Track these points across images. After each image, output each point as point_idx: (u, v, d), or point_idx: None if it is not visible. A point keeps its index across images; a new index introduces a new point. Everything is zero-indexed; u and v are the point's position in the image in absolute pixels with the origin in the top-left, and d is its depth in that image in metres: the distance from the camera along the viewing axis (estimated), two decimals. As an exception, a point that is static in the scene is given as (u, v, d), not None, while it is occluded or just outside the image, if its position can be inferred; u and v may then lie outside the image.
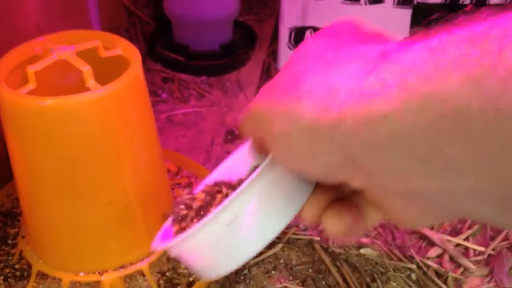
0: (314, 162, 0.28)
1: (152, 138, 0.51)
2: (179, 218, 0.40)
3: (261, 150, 0.34)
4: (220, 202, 0.39)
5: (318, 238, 0.66)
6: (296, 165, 0.30)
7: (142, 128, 0.49)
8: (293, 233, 0.67)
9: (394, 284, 0.62)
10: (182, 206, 0.40)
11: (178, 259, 0.40)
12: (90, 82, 0.44)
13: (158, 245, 0.40)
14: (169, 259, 0.55)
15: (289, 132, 0.28)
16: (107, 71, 0.47)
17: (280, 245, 0.65)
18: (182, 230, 0.39)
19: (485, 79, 0.20)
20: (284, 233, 0.67)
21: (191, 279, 0.54)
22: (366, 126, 0.24)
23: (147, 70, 0.90)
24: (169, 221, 0.42)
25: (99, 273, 0.51)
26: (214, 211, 0.34)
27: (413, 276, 0.62)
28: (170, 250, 0.37)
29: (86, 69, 0.44)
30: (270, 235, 0.37)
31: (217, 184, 0.41)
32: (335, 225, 0.33)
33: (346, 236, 0.33)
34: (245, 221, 0.34)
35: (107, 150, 0.46)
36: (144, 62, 0.91)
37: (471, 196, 0.23)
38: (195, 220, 0.39)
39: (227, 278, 0.62)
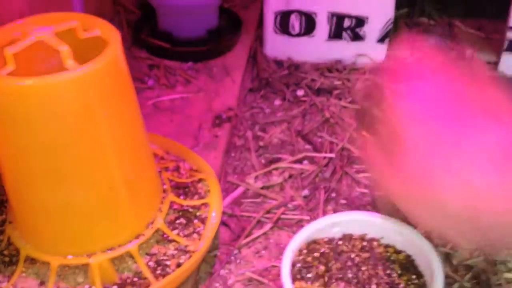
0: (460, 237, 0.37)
1: (135, 119, 0.51)
2: None
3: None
4: None
5: (307, 218, 0.66)
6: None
7: (124, 109, 0.49)
8: (283, 213, 0.67)
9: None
10: None
11: None
12: (69, 62, 0.44)
13: None
14: (158, 240, 0.55)
15: (434, 215, 0.35)
16: (87, 52, 0.46)
17: (269, 225, 0.65)
18: None
19: None
20: (273, 213, 0.67)
21: (181, 260, 0.54)
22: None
23: (133, 57, 0.90)
24: None
25: (87, 255, 0.51)
26: None
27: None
28: None
29: (64, 49, 0.44)
30: None
31: None
32: None
33: None
34: None
35: (89, 131, 0.46)
36: (129, 49, 0.92)
37: None
38: None
39: (217, 258, 0.62)
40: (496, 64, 0.90)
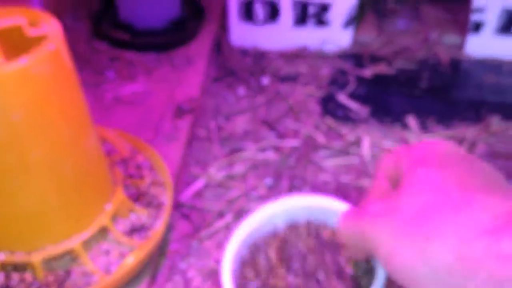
0: None
1: (80, 117, 0.49)
2: None
3: (357, 255, 0.40)
4: None
5: (270, 207, 0.65)
6: None
7: (65, 107, 0.47)
8: (245, 203, 0.66)
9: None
10: None
11: None
12: None
13: None
14: (105, 237, 0.54)
15: (415, 267, 0.32)
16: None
17: (231, 216, 0.64)
18: None
19: None
20: (235, 203, 0.65)
21: (128, 258, 0.52)
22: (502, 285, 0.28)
23: (93, 50, 0.88)
24: None
25: (28, 253, 0.50)
26: None
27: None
28: None
29: None
30: None
31: None
32: None
33: None
34: None
35: (26, 129, 0.44)
36: (90, 42, 0.89)
37: None
38: None
39: (177, 251, 0.60)
40: (461, 46, 0.90)
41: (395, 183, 0.40)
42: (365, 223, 0.36)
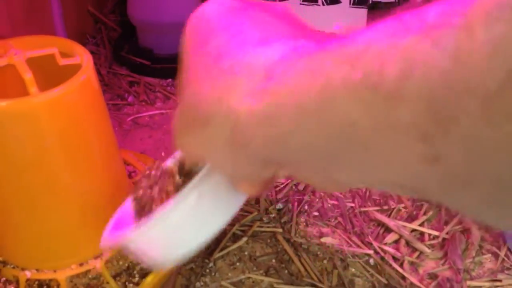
0: (239, 171, 0.31)
1: (107, 141, 0.53)
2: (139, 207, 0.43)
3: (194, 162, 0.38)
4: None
5: (280, 230, 0.69)
6: (223, 172, 0.33)
7: (94, 132, 0.51)
8: (258, 226, 0.69)
9: (353, 269, 0.65)
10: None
11: (132, 252, 0.41)
12: (32, 89, 0.46)
13: (121, 236, 0.40)
14: (126, 257, 0.57)
15: (205, 148, 0.31)
16: (66, 79, 0.48)
17: (244, 239, 0.68)
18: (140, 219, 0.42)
19: (371, 98, 0.21)
20: (249, 226, 0.69)
21: (148, 277, 0.56)
22: (275, 144, 0.27)
23: (113, 74, 0.93)
24: (117, 216, 0.45)
25: (54, 271, 0.54)
26: (182, 192, 0.37)
27: (371, 261, 0.65)
28: (133, 240, 0.40)
29: (28, 77, 0.46)
30: (236, 204, 0.40)
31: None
32: (255, 190, 0.35)
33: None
34: (206, 201, 0.37)
35: (57, 154, 0.48)
36: (110, 67, 0.94)
37: (378, 183, 0.27)
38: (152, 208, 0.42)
39: (192, 271, 0.64)
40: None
41: None
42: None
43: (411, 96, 0.20)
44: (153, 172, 0.43)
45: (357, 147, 0.24)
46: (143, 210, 0.43)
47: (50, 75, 0.49)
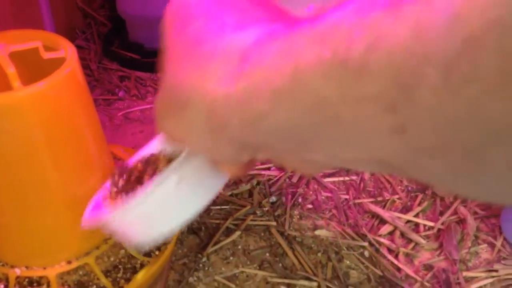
0: (218, 153, 0.32)
1: (94, 135, 0.52)
2: (115, 191, 0.43)
3: (176, 144, 0.37)
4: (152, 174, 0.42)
5: (274, 223, 0.68)
6: (203, 152, 0.34)
7: (81, 127, 0.50)
8: (251, 220, 0.69)
9: (348, 262, 0.64)
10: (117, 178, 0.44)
11: (112, 231, 0.42)
12: (15, 84, 0.45)
13: (101, 217, 0.41)
14: (116, 253, 0.57)
15: (184, 130, 0.32)
16: (51, 73, 0.47)
17: (238, 233, 0.67)
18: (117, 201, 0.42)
19: (341, 74, 0.22)
20: (242, 220, 0.69)
21: (138, 273, 0.55)
22: (251, 126, 0.28)
23: (103, 69, 0.92)
24: (97, 197, 0.45)
25: (44, 268, 0.53)
26: (162, 173, 0.37)
27: (366, 253, 0.65)
28: (114, 220, 0.40)
29: (11, 71, 0.45)
30: (217, 185, 0.40)
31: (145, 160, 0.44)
32: (235, 172, 0.36)
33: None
34: (187, 183, 0.38)
35: (44, 147, 0.47)
36: (100, 62, 0.93)
37: (352, 160, 0.27)
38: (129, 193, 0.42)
39: (185, 266, 0.63)
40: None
41: None
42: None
43: (377, 69, 0.21)
44: (133, 161, 0.44)
45: (330, 124, 0.24)
46: (122, 192, 0.43)
47: (35, 69, 0.48)
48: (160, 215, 0.40)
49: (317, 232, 0.67)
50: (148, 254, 0.57)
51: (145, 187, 0.38)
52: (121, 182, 0.44)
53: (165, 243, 0.58)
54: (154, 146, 0.45)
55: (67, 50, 0.48)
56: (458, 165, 0.22)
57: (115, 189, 0.43)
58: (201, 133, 0.31)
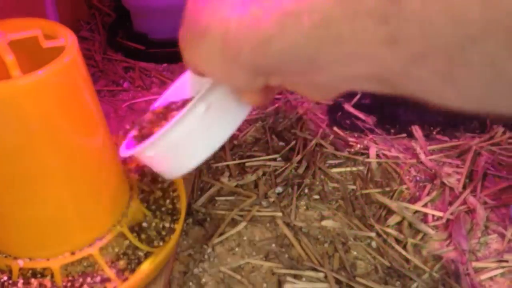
0: (235, 80, 0.35)
1: (97, 124, 0.51)
2: (142, 128, 0.49)
3: (199, 74, 0.40)
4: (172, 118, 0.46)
5: (280, 214, 0.67)
6: (217, 79, 0.38)
7: (82, 116, 0.49)
8: (257, 211, 0.68)
9: (355, 253, 0.63)
10: (144, 122, 0.49)
11: (148, 162, 0.48)
12: (15, 72, 0.44)
13: (135, 149, 0.46)
14: (120, 244, 0.56)
15: (202, 57, 0.35)
16: (50, 62, 0.46)
17: (243, 223, 0.66)
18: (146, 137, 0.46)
19: None
20: (248, 211, 0.68)
21: (143, 264, 0.54)
22: (261, 49, 0.30)
23: (108, 60, 0.91)
24: (130, 136, 0.50)
25: (47, 259, 0.52)
26: (191, 103, 0.41)
27: (373, 244, 0.64)
28: (150, 149, 0.45)
29: (10, 59, 0.44)
30: (242, 114, 0.44)
31: (168, 104, 0.50)
32: (257, 101, 0.40)
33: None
34: (214, 111, 0.42)
35: (43, 137, 0.46)
36: (105, 53, 0.92)
37: (352, 77, 0.30)
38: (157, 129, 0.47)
39: (191, 257, 0.62)
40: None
41: None
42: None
43: None
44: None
45: (333, 42, 0.28)
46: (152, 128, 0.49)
47: (35, 58, 0.47)
48: (191, 142, 0.44)
49: (323, 223, 0.66)
50: (152, 245, 0.57)
51: (177, 116, 0.42)
52: (148, 123, 0.49)
53: (169, 234, 0.58)
54: (177, 90, 0.50)
55: (67, 39, 0.47)
56: (443, 70, 0.25)
57: (144, 128, 0.48)
58: (217, 61, 0.34)
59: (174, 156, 0.45)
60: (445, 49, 0.24)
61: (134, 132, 0.50)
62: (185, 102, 0.49)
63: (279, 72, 0.33)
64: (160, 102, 0.52)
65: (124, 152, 0.49)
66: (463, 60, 0.24)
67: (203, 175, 0.73)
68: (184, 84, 0.52)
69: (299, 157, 0.75)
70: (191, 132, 0.43)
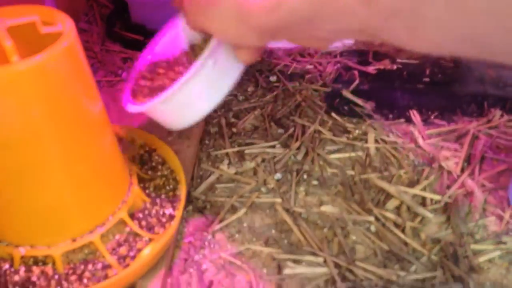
0: (246, 39, 0.43)
1: (95, 111, 0.52)
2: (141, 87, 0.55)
3: (199, 30, 0.48)
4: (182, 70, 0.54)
5: (279, 200, 0.68)
6: (233, 42, 0.46)
7: (81, 101, 0.49)
8: (256, 197, 0.68)
9: (354, 237, 0.63)
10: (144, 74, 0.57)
11: (157, 115, 0.54)
12: (13, 58, 0.44)
13: (149, 104, 0.51)
14: (121, 231, 0.56)
15: (215, 23, 0.43)
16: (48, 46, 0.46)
17: (243, 210, 0.67)
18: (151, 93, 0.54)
19: None
20: (247, 197, 0.68)
21: (145, 250, 0.55)
22: (272, 13, 0.39)
23: (106, 51, 0.91)
24: (127, 89, 0.56)
25: (48, 247, 0.53)
26: (201, 57, 0.48)
27: (372, 228, 0.64)
28: (163, 103, 0.50)
29: (8, 44, 0.44)
30: (237, 72, 0.52)
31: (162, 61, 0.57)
32: (251, 57, 0.49)
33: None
34: (218, 66, 0.49)
35: (43, 124, 0.46)
36: (103, 44, 0.92)
37: (341, 31, 0.39)
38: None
39: (191, 244, 0.63)
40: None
41: None
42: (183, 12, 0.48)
43: None
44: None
45: (325, 4, 0.37)
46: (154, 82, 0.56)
47: (33, 44, 0.47)
48: (202, 93, 0.50)
49: (322, 208, 0.67)
50: (153, 231, 0.57)
51: (191, 69, 0.48)
52: (148, 75, 0.55)
53: (170, 221, 0.58)
54: (165, 44, 0.57)
55: (65, 24, 0.47)
56: (409, 23, 0.34)
57: (147, 81, 0.55)
58: (230, 24, 0.41)
59: (186, 107, 0.51)
60: (410, 7, 0.33)
61: (131, 85, 0.56)
62: (186, 56, 0.55)
63: (285, 31, 0.41)
64: (151, 54, 0.58)
65: (133, 108, 0.53)
66: (421, 16, 0.33)
67: (203, 163, 0.73)
68: (174, 39, 0.58)
69: (297, 143, 0.75)
70: (202, 84, 0.49)
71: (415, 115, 0.80)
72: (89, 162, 0.52)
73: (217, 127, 0.79)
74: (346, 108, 0.82)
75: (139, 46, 0.90)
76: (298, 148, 0.75)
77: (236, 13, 0.40)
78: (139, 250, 0.55)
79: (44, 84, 0.44)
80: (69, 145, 0.49)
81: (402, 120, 0.80)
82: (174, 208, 0.60)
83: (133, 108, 0.53)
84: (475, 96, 0.83)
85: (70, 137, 0.49)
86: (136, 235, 0.57)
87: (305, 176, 0.71)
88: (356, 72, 0.88)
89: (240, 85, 0.87)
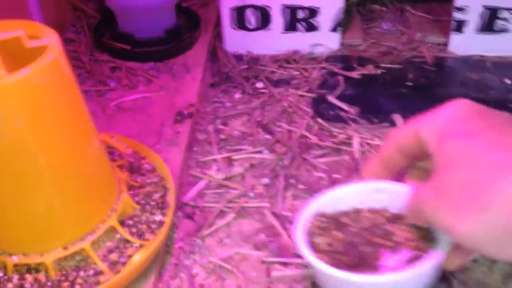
0: (502, 250, 0.39)
1: (82, 121, 0.53)
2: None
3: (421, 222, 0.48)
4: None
5: (267, 205, 0.69)
6: (483, 251, 0.41)
7: (68, 113, 0.50)
8: (244, 202, 0.70)
9: (341, 239, 0.65)
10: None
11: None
12: (0, 71, 0.45)
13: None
14: (111, 238, 0.57)
15: (475, 234, 0.39)
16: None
17: (232, 215, 0.68)
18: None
19: None
20: (235, 202, 0.70)
21: (135, 257, 0.56)
22: None
23: (95, 61, 0.92)
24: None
25: (40, 255, 0.54)
26: (435, 256, 0.46)
27: (358, 230, 0.65)
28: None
29: None
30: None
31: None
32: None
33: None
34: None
35: (30, 136, 0.47)
36: (91, 54, 0.94)
37: None
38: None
39: (181, 249, 0.64)
40: (445, 45, 0.94)
41: (413, 156, 0.51)
42: (422, 206, 0.44)
43: None
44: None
45: None
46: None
47: (19, 60, 0.48)
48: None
49: (310, 211, 0.68)
50: (143, 238, 0.58)
51: (419, 266, 0.46)
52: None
53: (160, 227, 0.59)
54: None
55: (50, 38, 0.49)
56: None
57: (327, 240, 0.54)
58: (495, 234, 0.38)
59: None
60: None
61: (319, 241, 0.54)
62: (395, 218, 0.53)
63: None
64: (318, 206, 0.57)
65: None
66: None
67: (192, 169, 0.74)
68: (346, 194, 0.58)
69: (284, 149, 0.77)
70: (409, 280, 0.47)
71: (398, 119, 0.82)
72: (77, 171, 0.53)
73: (205, 134, 0.80)
74: (331, 113, 0.83)
75: (127, 55, 0.91)
76: (285, 153, 0.76)
77: (506, 225, 0.37)
78: (130, 256, 0.56)
79: (30, 97, 0.46)
80: (56, 155, 0.50)
81: (386, 124, 0.81)
82: (163, 214, 0.61)
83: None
84: (458, 98, 0.85)
85: (57, 148, 0.50)
86: (127, 241, 0.58)
87: (292, 181, 0.73)
88: (341, 78, 0.90)
89: (227, 92, 0.89)
